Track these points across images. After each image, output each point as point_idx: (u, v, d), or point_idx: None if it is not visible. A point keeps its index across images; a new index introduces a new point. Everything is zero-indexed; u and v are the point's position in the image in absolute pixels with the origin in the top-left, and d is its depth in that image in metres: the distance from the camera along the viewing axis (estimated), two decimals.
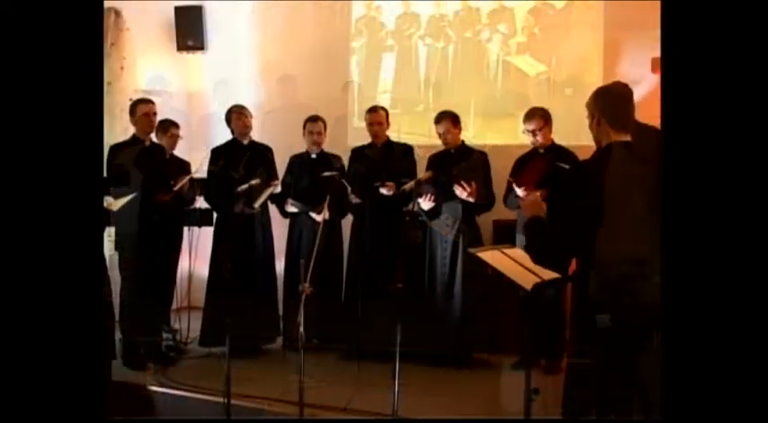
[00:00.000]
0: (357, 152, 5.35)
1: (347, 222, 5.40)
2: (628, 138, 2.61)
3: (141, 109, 4.84)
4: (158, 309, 5.03)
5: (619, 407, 2.47)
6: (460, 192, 4.75)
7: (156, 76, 6.70)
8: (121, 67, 6.26)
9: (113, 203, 4.50)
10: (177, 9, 6.92)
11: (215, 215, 5.39)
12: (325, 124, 5.38)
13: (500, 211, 5.06)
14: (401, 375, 3.44)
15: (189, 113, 7.10)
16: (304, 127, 5.36)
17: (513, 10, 6.03)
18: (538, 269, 3.00)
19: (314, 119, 5.34)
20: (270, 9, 6.92)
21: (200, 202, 5.62)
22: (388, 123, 5.25)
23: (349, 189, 5.08)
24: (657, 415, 2.15)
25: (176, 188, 4.88)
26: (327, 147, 5.41)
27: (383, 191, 4.95)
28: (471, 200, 4.77)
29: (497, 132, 5.90)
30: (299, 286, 3.67)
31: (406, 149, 5.26)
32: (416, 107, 6.32)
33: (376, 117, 5.21)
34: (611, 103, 2.64)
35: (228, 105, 5.41)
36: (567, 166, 4.40)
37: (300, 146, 5.45)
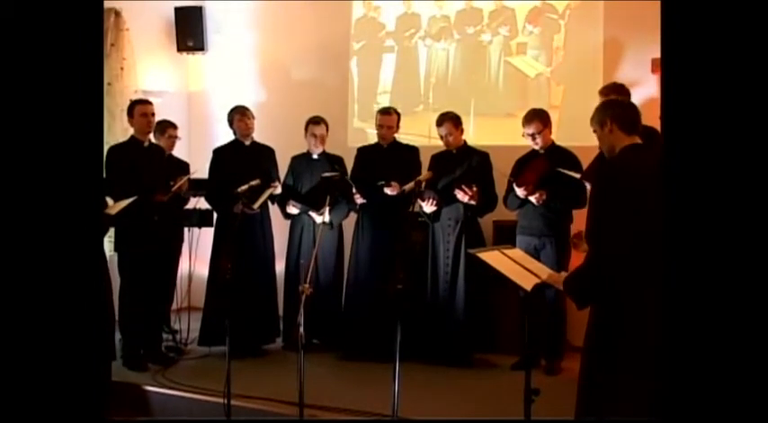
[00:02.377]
0: (363, 152, 5.33)
1: (348, 223, 5.40)
2: (638, 140, 2.65)
3: (139, 110, 4.84)
4: (158, 309, 5.03)
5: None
6: (462, 196, 4.75)
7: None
8: (121, 68, 6.26)
9: (111, 207, 4.49)
10: (177, 9, 6.92)
11: (215, 216, 5.39)
12: (327, 126, 5.37)
13: (500, 212, 5.06)
14: (401, 375, 3.43)
15: (189, 114, 7.12)
16: (306, 128, 5.35)
17: (514, 10, 6.03)
18: (538, 270, 3.00)
19: (316, 121, 5.33)
20: (270, 9, 6.92)
21: (200, 203, 5.63)
22: (397, 127, 5.23)
23: (354, 189, 5.05)
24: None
25: (174, 188, 4.88)
26: (327, 147, 5.40)
27: (387, 191, 4.94)
28: (473, 203, 4.76)
29: (497, 132, 5.89)
30: (299, 287, 3.67)
31: (411, 151, 5.25)
32: (416, 107, 6.32)
33: (388, 120, 5.15)
34: (620, 109, 2.71)
35: (229, 106, 5.41)
36: (577, 175, 4.41)
37: (301, 146, 5.44)
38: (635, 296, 2.49)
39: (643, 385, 2.42)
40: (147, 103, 4.93)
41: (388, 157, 5.18)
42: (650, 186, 2.43)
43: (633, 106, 2.77)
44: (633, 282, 2.49)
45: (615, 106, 2.74)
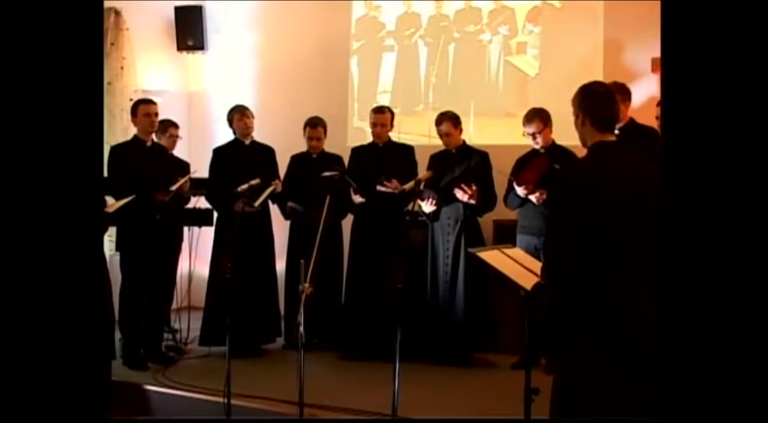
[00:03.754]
0: (358, 152, 5.34)
1: (347, 222, 5.40)
2: (612, 138, 2.59)
3: (143, 109, 4.84)
4: (158, 308, 5.03)
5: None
6: (461, 195, 4.75)
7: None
8: (121, 67, 6.27)
9: (109, 206, 4.49)
10: (177, 9, 6.93)
11: (215, 215, 5.39)
12: (325, 128, 5.37)
13: (500, 211, 5.06)
14: (401, 375, 3.43)
15: (189, 113, 7.12)
16: (304, 130, 5.36)
17: (514, 10, 6.03)
18: (538, 269, 3.00)
19: (314, 124, 5.34)
20: (270, 9, 6.93)
21: (200, 202, 5.63)
22: (391, 126, 5.23)
23: (353, 188, 5.05)
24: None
25: (175, 188, 4.88)
26: (327, 146, 5.40)
27: (382, 188, 4.93)
28: (472, 202, 4.77)
29: (497, 132, 5.89)
30: (299, 286, 3.67)
31: (407, 150, 5.25)
32: (416, 107, 6.32)
33: (381, 118, 5.17)
34: (594, 103, 2.59)
35: (229, 106, 5.41)
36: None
37: (301, 146, 5.45)
38: (594, 294, 2.46)
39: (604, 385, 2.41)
40: (150, 102, 4.94)
41: (383, 156, 5.18)
42: (620, 186, 2.42)
43: (609, 101, 2.61)
44: (589, 279, 2.46)
45: (590, 99, 2.60)
